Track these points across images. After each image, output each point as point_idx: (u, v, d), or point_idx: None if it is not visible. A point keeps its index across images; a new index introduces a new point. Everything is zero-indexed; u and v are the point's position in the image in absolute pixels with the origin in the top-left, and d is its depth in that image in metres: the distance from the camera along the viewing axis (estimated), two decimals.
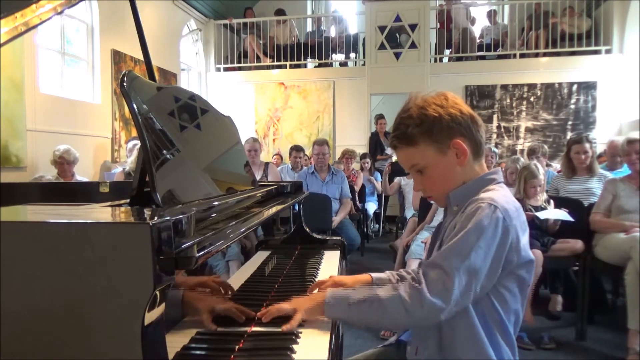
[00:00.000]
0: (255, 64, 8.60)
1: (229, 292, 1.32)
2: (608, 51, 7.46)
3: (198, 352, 0.97)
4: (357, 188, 5.77)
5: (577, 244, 3.05)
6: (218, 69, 8.76)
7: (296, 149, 5.75)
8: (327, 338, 1.03)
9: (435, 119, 1.09)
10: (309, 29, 9.30)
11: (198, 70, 8.67)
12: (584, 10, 7.68)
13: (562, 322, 3.16)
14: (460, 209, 1.11)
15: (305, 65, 8.72)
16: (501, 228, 1.00)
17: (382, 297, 1.02)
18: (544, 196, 3.21)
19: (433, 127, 1.09)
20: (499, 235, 1.00)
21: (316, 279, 1.51)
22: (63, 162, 4.10)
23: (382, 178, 6.21)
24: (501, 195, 1.07)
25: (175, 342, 0.97)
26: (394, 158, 6.51)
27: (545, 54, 7.70)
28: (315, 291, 1.31)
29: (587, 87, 7.47)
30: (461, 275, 0.98)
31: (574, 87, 7.51)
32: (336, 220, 4.36)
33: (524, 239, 1.06)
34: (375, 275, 1.33)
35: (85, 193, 2.23)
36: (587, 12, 7.71)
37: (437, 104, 1.10)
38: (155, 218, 0.71)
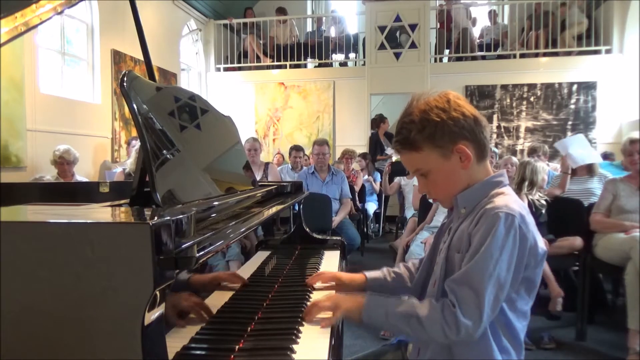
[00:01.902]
0: (255, 64, 8.60)
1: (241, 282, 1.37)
2: (608, 51, 7.46)
3: (198, 352, 0.97)
4: (357, 188, 5.76)
5: (576, 241, 3.07)
6: (218, 69, 8.76)
7: (296, 149, 5.75)
8: (327, 338, 1.03)
9: (438, 124, 1.07)
10: (309, 29, 9.30)
11: (198, 70, 8.67)
12: (584, 10, 7.68)
13: (562, 322, 3.16)
14: (469, 211, 1.11)
15: (305, 65, 8.72)
16: (519, 236, 1.01)
17: (421, 317, 1.02)
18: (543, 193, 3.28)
19: (435, 133, 1.07)
20: (518, 244, 1.01)
21: None
22: (63, 162, 4.10)
23: (382, 178, 6.21)
24: (513, 200, 1.06)
25: (175, 342, 0.97)
26: (394, 158, 6.51)
27: (545, 54, 7.70)
28: (318, 284, 1.36)
29: (587, 87, 7.47)
30: (489, 291, 0.99)
31: (574, 87, 7.51)
32: (336, 220, 4.36)
33: (537, 235, 1.06)
34: (370, 274, 1.34)
35: (85, 193, 2.23)
36: (587, 12, 7.72)
37: (440, 108, 1.08)
38: (155, 218, 0.71)
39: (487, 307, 0.99)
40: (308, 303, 1.25)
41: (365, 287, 1.34)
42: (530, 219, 1.04)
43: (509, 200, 1.05)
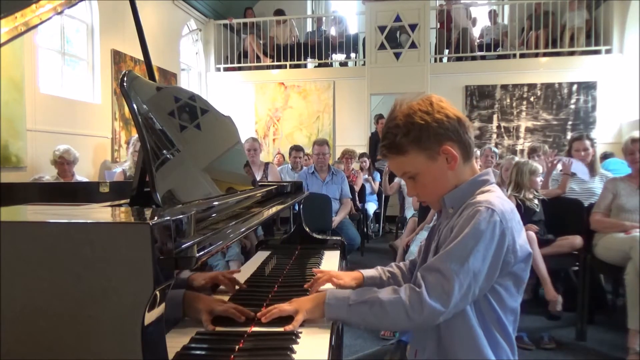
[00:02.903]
0: (255, 64, 8.60)
1: (237, 287, 1.34)
2: (608, 51, 7.46)
3: (198, 352, 0.97)
4: (357, 188, 5.76)
5: (576, 240, 3.07)
6: (218, 69, 8.76)
7: (296, 149, 5.75)
8: (327, 338, 1.03)
9: (423, 127, 1.09)
10: (309, 29, 9.30)
11: (198, 70, 8.67)
12: (584, 7, 7.68)
13: (562, 322, 3.16)
14: (456, 211, 1.12)
15: (305, 65, 8.72)
16: (498, 231, 1.02)
17: (384, 300, 1.03)
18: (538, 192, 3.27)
19: (421, 135, 1.09)
20: (497, 239, 1.01)
21: None
22: (63, 162, 4.10)
23: (382, 178, 6.21)
24: (497, 197, 1.08)
25: (175, 342, 0.97)
26: None
27: (545, 54, 7.70)
28: (325, 286, 1.31)
29: (587, 87, 7.47)
30: (460, 279, 0.99)
31: (574, 87, 7.51)
32: (336, 220, 4.36)
33: (521, 237, 1.07)
34: (365, 272, 1.33)
35: (85, 193, 2.23)
36: (587, 9, 7.71)
37: (423, 111, 1.10)
38: (155, 218, 0.71)
39: (457, 293, 0.99)
40: None
41: (362, 285, 1.31)
42: (512, 216, 1.05)
43: (491, 196, 1.07)
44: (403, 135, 1.10)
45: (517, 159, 3.88)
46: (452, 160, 1.10)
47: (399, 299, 1.01)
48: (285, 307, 1.09)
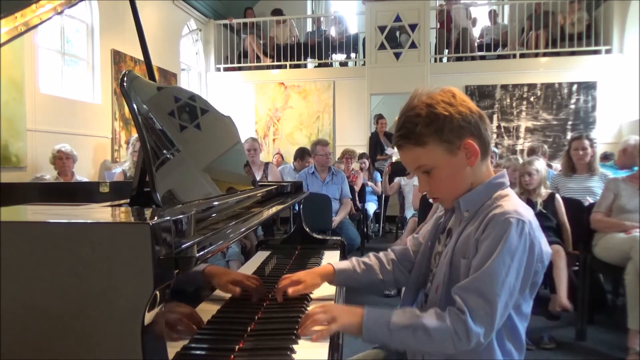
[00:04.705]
0: (255, 64, 8.60)
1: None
2: (608, 51, 7.46)
3: (198, 352, 0.97)
4: (357, 188, 5.76)
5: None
6: (218, 69, 8.76)
7: (308, 154, 5.66)
8: (327, 338, 1.03)
9: (446, 118, 1.04)
10: (309, 29, 9.30)
11: (198, 70, 8.67)
12: (584, 8, 7.68)
13: (562, 322, 3.16)
14: (472, 215, 1.08)
15: (305, 65, 8.72)
16: (529, 243, 0.99)
17: (429, 327, 0.97)
18: (541, 190, 3.16)
19: (444, 127, 1.04)
20: (527, 251, 0.99)
21: None
22: (62, 157, 4.13)
23: (382, 178, 6.21)
24: (520, 204, 1.05)
25: (175, 342, 0.97)
26: (394, 158, 6.51)
27: (545, 54, 7.70)
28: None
29: (587, 87, 7.47)
30: (501, 299, 0.97)
31: (574, 87, 7.51)
32: (336, 220, 4.36)
33: (542, 240, 1.04)
34: (337, 265, 1.30)
35: (85, 193, 2.23)
36: (587, 11, 7.72)
37: (446, 102, 1.05)
38: (155, 218, 0.71)
39: (499, 314, 0.97)
40: (308, 304, 1.25)
41: (333, 279, 1.29)
42: (536, 224, 1.03)
43: (517, 204, 1.04)
44: (425, 125, 1.04)
45: (519, 159, 3.83)
46: (472, 156, 1.06)
47: (446, 327, 0.96)
48: (320, 315, 1.04)
